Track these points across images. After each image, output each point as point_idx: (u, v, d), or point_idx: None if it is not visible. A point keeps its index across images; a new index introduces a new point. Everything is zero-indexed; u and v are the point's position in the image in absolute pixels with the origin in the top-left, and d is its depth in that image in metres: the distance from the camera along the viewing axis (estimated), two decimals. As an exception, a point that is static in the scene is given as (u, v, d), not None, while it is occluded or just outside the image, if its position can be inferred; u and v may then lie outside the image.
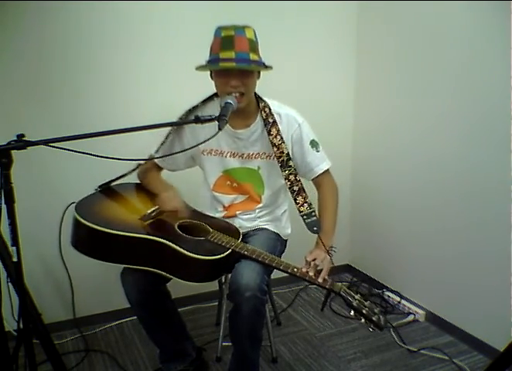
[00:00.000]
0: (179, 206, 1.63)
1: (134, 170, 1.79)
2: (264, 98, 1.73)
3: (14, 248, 1.16)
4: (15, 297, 1.26)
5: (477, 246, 2.05)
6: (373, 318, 1.43)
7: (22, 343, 1.29)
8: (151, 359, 2.04)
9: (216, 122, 1.42)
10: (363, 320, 1.44)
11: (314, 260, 1.53)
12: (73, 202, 1.61)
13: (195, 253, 1.46)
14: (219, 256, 1.49)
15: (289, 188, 1.66)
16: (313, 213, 1.63)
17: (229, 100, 1.50)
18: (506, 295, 1.89)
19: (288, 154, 1.66)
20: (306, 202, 1.63)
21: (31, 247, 1.65)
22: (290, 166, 1.66)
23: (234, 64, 1.52)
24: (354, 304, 1.44)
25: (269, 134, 1.67)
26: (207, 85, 1.65)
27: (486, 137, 1.96)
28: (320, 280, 1.49)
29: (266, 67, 1.62)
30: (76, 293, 2.17)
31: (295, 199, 1.65)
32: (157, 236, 1.50)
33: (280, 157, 1.66)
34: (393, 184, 2.54)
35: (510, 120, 1.82)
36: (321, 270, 1.53)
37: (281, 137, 1.66)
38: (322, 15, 2.51)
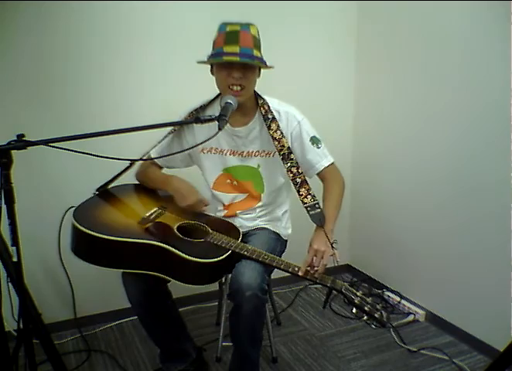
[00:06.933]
0: (201, 198, 1.68)
1: (128, 168, 1.78)
2: (264, 96, 1.73)
3: (14, 248, 1.16)
4: (15, 297, 1.26)
5: (477, 246, 2.05)
6: (376, 315, 1.41)
7: (22, 343, 1.29)
8: (151, 359, 2.05)
9: (216, 122, 1.42)
10: (365, 317, 1.42)
11: (315, 255, 1.50)
12: (73, 206, 1.60)
13: (195, 257, 1.45)
14: (219, 259, 1.49)
15: (292, 180, 1.64)
16: (317, 205, 1.61)
17: (229, 100, 1.50)
18: (506, 295, 1.89)
19: (288, 148, 1.66)
20: (310, 194, 1.62)
21: (31, 247, 1.65)
22: (292, 159, 1.65)
23: (238, 59, 1.53)
24: (356, 301, 1.43)
25: (269, 128, 1.66)
26: (208, 85, 1.65)
27: (486, 135, 1.96)
28: (317, 275, 1.47)
29: (268, 66, 1.63)
30: (76, 293, 2.16)
31: (299, 191, 1.63)
32: (156, 241, 1.49)
33: (281, 150, 1.65)
34: (393, 184, 2.54)
35: (509, 118, 1.82)
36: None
37: (281, 132, 1.66)
38: (322, 16, 2.52)
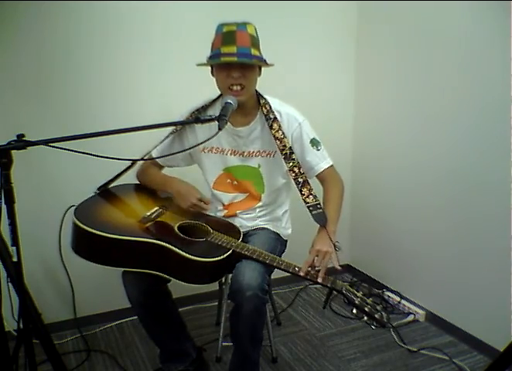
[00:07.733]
0: (202, 197, 1.66)
1: (129, 168, 1.78)
2: (265, 96, 1.73)
3: (14, 248, 1.16)
4: (15, 297, 1.26)
5: (477, 246, 2.05)
6: (376, 316, 1.41)
7: (22, 343, 1.29)
8: (151, 359, 2.05)
9: (217, 122, 1.42)
10: (365, 318, 1.43)
11: (317, 255, 1.51)
12: (73, 205, 1.61)
13: (195, 256, 1.46)
14: (220, 258, 1.49)
15: (294, 179, 1.66)
16: (318, 205, 1.62)
17: (229, 100, 1.51)
18: (506, 295, 1.89)
19: (290, 147, 1.66)
20: (311, 194, 1.63)
21: (31, 247, 1.65)
22: (293, 159, 1.66)
23: (236, 59, 1.53)
24: (356, 301, 1.44)
25: (271, 128, 1.67)
26: (208, 85, 1.66)
27: (486, 136, 1.96)
28: (320, 280, 1.48)
29: (267, 63, 1.63)
30: (76, 293, 2.16)
31: (301, 191, 1.64)
32: (157, 239, 1.49)
33: (283, 150, 1.66)
34: (393, 184, 2.54)
35: (509, 118, 1.82)
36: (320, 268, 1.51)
37: (283, 132, 1.67)
38: (323, 15, 2.52)
